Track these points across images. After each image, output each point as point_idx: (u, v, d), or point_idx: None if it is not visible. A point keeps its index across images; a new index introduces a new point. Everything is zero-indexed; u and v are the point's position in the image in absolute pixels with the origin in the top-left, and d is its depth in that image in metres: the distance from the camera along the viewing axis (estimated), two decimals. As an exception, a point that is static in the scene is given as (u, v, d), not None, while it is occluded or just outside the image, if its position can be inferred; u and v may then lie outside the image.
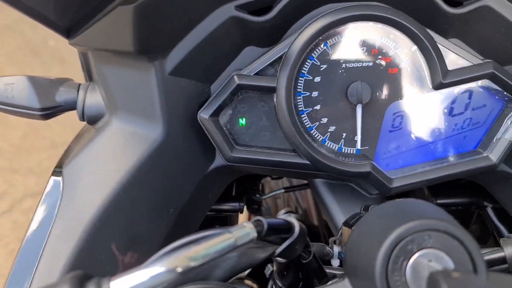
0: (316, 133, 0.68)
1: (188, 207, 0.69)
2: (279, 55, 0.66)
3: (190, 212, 0.71)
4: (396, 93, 0.67)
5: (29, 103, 0.68)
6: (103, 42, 0.61)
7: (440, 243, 0.38)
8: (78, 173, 0.65)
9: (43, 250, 0.59)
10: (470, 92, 0.67)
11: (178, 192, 0.67)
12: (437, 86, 0.66)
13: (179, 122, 0.66)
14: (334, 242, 0.65)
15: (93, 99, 0.68)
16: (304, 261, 0.54)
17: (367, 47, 0.65)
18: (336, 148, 0.69)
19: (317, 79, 0.66)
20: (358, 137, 0.68)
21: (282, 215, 0.63)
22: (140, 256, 0.63)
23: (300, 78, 0.66)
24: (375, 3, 0.66)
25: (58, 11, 0.57)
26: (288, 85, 0.65)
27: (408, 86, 0.67)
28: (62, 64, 3.13)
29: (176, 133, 0.66)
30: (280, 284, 0.58)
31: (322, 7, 0.66)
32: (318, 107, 0.67)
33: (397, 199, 0.49)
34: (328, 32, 0.64)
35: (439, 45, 0.65)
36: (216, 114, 0.67)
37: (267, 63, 0.66)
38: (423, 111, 0.68)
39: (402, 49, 0.65)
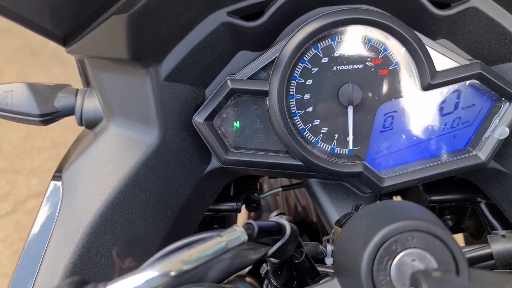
0: (308, 135, 0.70)
1: (185, 208, 0.71)
2: (271, 59, 0.67)
3: (188, 213, 0.72)
4: (386, 94, 0.68)
5: (28, 109, 0.69)
6: (99, 50, 0.63)
7: (423, 243, 0.39)
8: (77, 177, 0.66)
9: (44, 253, 0.61)
10: (459, 92, 0.69)
11: (175, 194, 0.69)
12: (426, 87, 0.67)
13: (175, 126, 0.67)
14: (328, 241, 0.67)
15: (91, 104, 0.70)
16: (296, 261, 0.55)
17: (357, 49, 0.67)
18: (328, 149, 0.70)
19: (309, 81, 0.68)
20: (350, 138, 0.69)
21: (273, 217, 0.65)
22: (139, 258, 0.65)
23: (292, 81, 0.68)
24: (364, 6, 0.67)
25: (54, 21, 0.58)
26: (280, 88, 0.66)
27: (398, 87, 0.68)
28: (62, 65, 3.15)
29: (172, 137, 0.67)
30: (275, 283, 0.60)
31: (312, 11, 0.67)
32: (310, 109, 0.69)
33: (385, 200, 0.51)
34: (319, 35, 0.65)
35: (427, 47, 0.66)
36: (210, 118, 0.68)
37: (259, 67, 0.67)
38: (413, 111, 0.69)
39: (391, 51, 0.67)
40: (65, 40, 0.63)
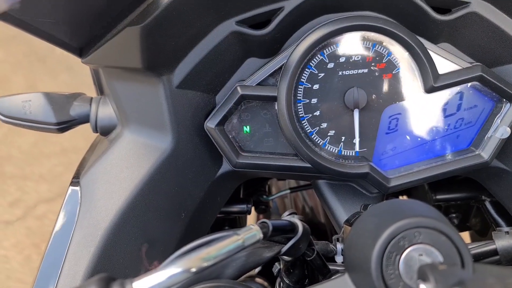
0: (316, 138, 0.72)
1: (198, 211, 0.74)
2: (279, 65, 0.70)
3: (201, 215, 0.75)
4: (391, 97, 0.71)
5: (45, 118, 0.72)
6: (114, 60, 0.65)
7: (430, 239, 0.42)
8: (94, 182, 0.69)
9: (66, 255, 0.64)
10: (461, 94, 0.71)
11: (189, 197, 0.72)
12: (429, 90, 0.69)
13: (187, 132, 0.70)
14: (337, 239, 0.69)
15: (105, 112, 0.73)
16: (308, 259, 0.58)
17: (362, 55, 0.69)
18: (336, 151, 0.73)
19: (316, 86, 0.70)
20: (356, 140, 0.72)
21: (286, 216, 0.67)
22: (156, 258, 0.67)
23: (299, 86, 0.70)
24: (368, 12, 0.70)
25: (71, 34, 0.61)
26: (288, 93, 0.69)
27: (402, 90, 0.70)
28: (68, 71, 3.18)
29: (184, 142, 0.70)
30: (287, 281, 0.63)
31: (317, 19, 0.70)
32: (317, 113, 0.71)
33: (392, 199, 0.53)
34: (324, 42, 0.68)
35: (429, 51, 0.68)
36: (221, 123, 0.71)
37: (268, 74, 0.70)
38: (417, 113, 0.71)
39: (395, 56, 0.69)
40: (81, 51, 0.65)
